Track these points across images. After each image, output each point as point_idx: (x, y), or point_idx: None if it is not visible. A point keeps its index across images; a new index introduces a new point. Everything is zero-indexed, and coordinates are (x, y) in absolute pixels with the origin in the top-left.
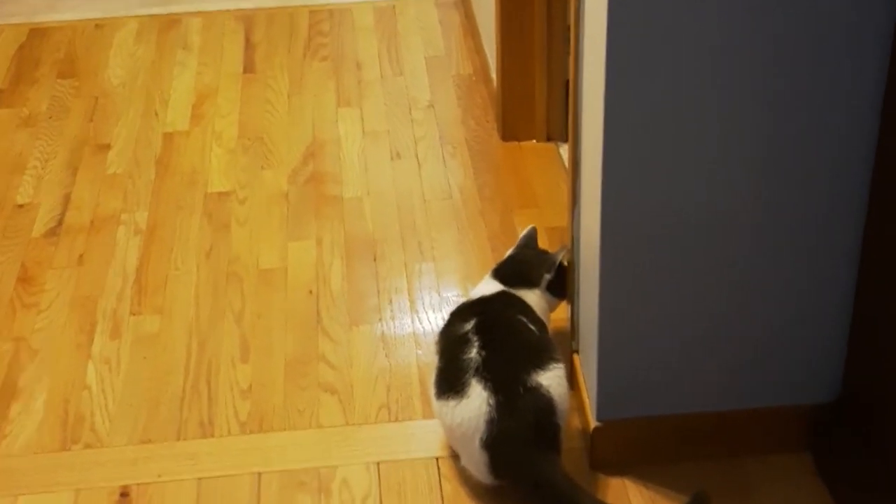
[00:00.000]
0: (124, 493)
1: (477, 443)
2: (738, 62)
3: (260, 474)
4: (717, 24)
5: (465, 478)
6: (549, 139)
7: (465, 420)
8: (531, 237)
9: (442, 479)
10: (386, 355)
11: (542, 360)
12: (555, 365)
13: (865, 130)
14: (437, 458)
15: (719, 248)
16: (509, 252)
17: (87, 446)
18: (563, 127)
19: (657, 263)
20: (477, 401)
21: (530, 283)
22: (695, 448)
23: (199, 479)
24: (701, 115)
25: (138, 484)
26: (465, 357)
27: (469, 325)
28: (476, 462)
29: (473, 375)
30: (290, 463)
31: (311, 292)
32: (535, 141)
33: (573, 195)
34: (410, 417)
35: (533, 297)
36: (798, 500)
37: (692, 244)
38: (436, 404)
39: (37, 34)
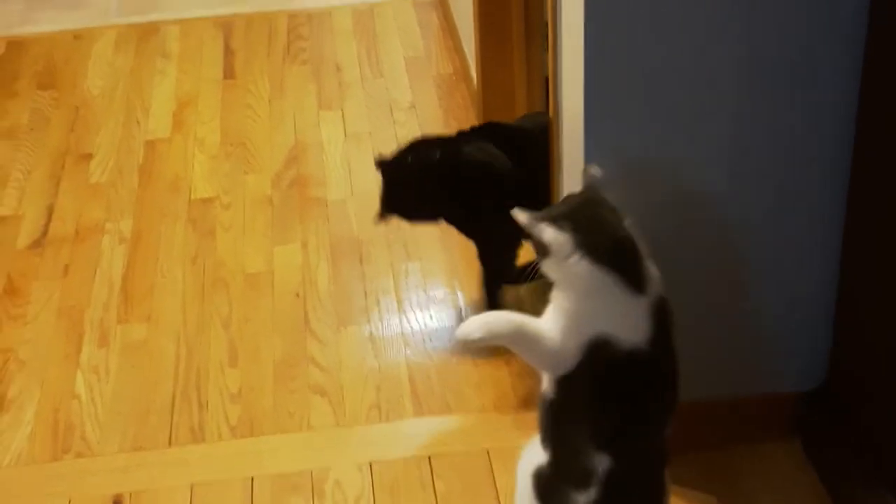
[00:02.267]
0: (117, 502)
1: None
2: (717, 61)
3: (252, 478)
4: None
5: (457, 475)
6: None
7: None
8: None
9: (435, 478)
10: (375, 356)
11: None
12: None
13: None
14: (429, 457)
15: (702, 237)
16: None
17: (79, 455)
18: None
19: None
20: None
21: None
22: (682, 437)
23: (192, 484)
24: (680, 106)
25: (131, 492)
26: None
27: None
28: None
29: None
30: (283, 466)
31: (297, 295)
32: None
33: (554, 192)
34: (401, 416)
35: None
36: (786, 487)
37: (673, 234)
38: None
39: (15, 46)
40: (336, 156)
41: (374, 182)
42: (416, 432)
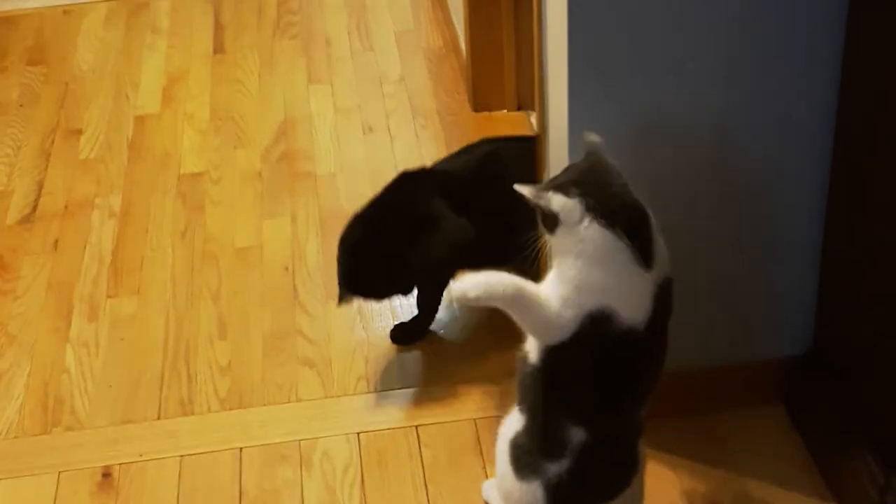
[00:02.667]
0: (106, 474)
1: None
2: (704, 37)
3: (241, 449)
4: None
5: (444, 444)
6: (519, 108)
7: None
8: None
9: (422, 447)
10: (363, 327)
11: None
12: None
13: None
14: (416, 427)
15: (685, 207)
16: None
17: (68, 429)
18: (532, 96)
19: None
20: None
21: None
22: (669, 404)
23: (181, 456)
24: (665, 71)
25: (120, 464)
26: None
27: None
28: None
29: None
30: (271, 437)
31: (286, 269)
32: (506, 111)
33: (542, 161)
34: (389, 387)
35: None
36: (773, 452)
37: (657, 206)
38: None
39: (4, 22)
40: (325, 130)
41: (362, 156)
42: (403, 403)
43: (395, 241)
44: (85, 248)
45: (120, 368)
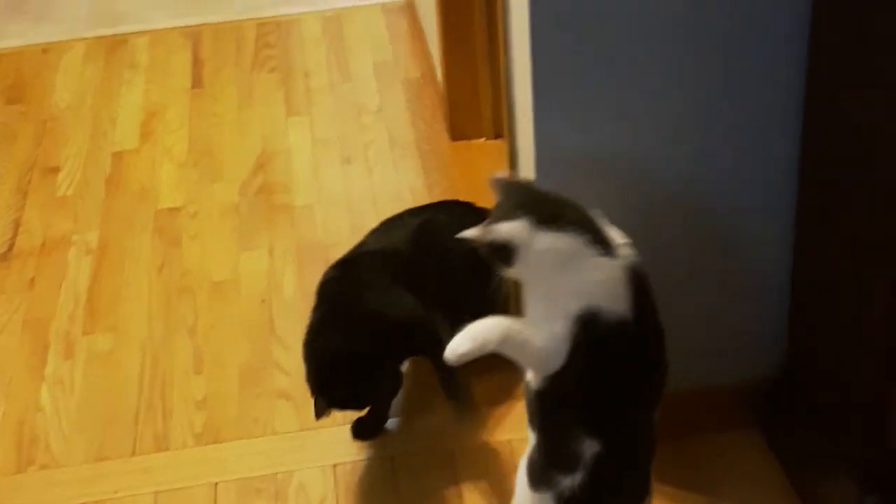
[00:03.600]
0: None
1: None
2: (669, 31)
3: (216, 484)
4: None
5: (421, 475)
6: (497, 136)
7: None
8: None
9: (398, 478)
10: None
11: None
12: None
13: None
14: (392, 457)
15: (655, 230)
16: None
17: (43, 467)
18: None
19: None
20: None
21: None
22: None
23: (156, 492)
24: (628, 110)
25: (95, 501)
26: None
27: None
28: None
29: None
30: (247, 471)
31: (263, 301)
32: (483, 139)
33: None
34: None
35: None
36: (750, 474)
37: (627, 225)
38: None
39: None
40: (303, 161)
41: (341, 187)
42: (380, 434)
43: (376, 352)
44: (61, 285)
45: (95, 405)
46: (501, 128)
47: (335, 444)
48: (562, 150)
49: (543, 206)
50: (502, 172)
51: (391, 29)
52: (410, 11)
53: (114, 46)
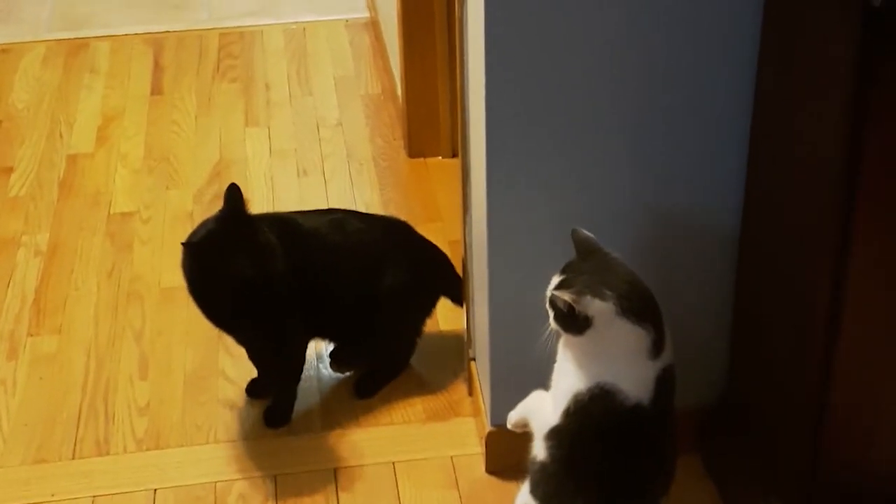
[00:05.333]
0: None
1: None
2: (615, 59)
3: (155, 490)
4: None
5: (362, 488)
6: (454, 155)
7: None
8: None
9: (339, 490)
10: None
11: None
12: None
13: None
14: (334, 469)
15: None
16: None
17: None
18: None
19: (544, 266)
20: None
21: None
22: None
23: (94, 497)
24: (579, 122)
25: (32, 503)
26: None
27: None
28: None
29: None
30: (187, 478)
31: None
32: (440, 157)
33: (464, 203)
34: (309, 430)
35: None
36: (687, 500)
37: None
38: None
39: None
40: (260, 172)
41: (296, 198)
42: (323, 446)
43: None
44: (8, 285)
45: (37, 407)
46: (458, 147)
47: (277, 454)
48: (513, 171)
49: (630, 292)
50: (581, 229)
51: (354, 45)
52: (374, 28)
53: (75, 50)
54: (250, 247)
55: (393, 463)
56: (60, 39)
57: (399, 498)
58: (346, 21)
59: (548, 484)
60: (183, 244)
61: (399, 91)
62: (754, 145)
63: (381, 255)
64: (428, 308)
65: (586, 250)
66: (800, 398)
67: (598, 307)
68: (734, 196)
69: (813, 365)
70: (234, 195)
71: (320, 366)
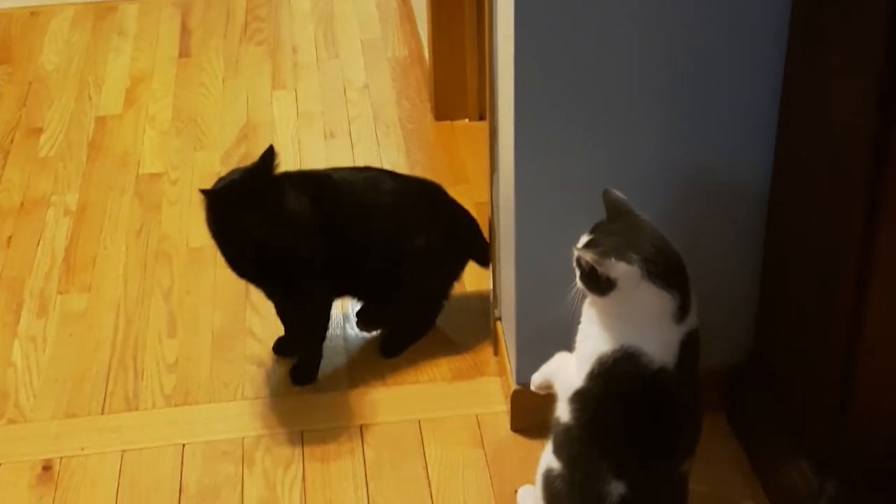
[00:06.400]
0: (46, 467)
1: None
2: (645, 21)
3: (183, 445)
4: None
5: (387, 444)
6: (480, 118)
7: None
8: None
9: (365, 446)
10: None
11: None
12: None
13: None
14: (360, 426)
15: None
16: None
17: (11, 422)
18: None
19: (571, 228)
20: None
21: None
22: None
23: (123, 451)
24: (608, 85)
25: (61, 457)
26: None
27: None
28: None
29: None
30: (215, 434)
31: None
32: (467, 120)
33: (492, 165)
34: (335, 388)
35: None
36: (713, 458)
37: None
38: None
39: None
40: (287, 134)
41: (323, 160)
42: (349, 403)
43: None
44: (38, 244)
45: (67, 364)
46: (485, 109)
47: (304, 411)
48: (541, 133)
49: (657, 257)
50: (613, 189)
51: (381, 7)
52: None
53: (103, 13)
54: (266, 207)
55: (418, 420)
56: (89, 2)
57: (424, 455)
58: None
59: (572, 447)
60: (201, 191)
61: (426, 54)
62: (784, 108)
63: (414, 216)
64: (456, 272)
65: (617, 211)
66: (827, 357)
67: (623, 270)
68: (763, 159)
69: (841, 323)
70: (267, 155)
71: (347, 325)
